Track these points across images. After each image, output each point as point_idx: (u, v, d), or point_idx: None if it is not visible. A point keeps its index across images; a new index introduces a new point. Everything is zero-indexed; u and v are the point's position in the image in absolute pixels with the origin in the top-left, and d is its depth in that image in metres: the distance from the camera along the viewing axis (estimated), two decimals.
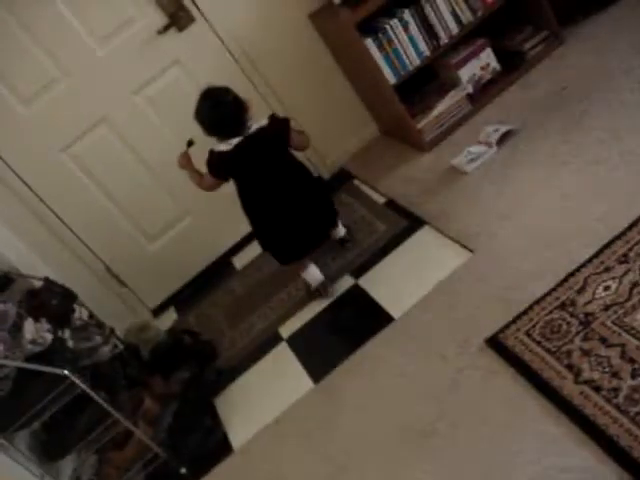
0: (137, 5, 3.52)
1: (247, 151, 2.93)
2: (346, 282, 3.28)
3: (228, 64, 3.72)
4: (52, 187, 3.65)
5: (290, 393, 2.89)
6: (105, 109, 3.64)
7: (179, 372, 3.17)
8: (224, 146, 2.92)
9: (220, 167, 2.99)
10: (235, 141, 2.91)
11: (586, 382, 2.08)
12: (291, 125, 3.04)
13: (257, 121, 2.95)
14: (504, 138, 3.36)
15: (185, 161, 3.11)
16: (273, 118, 3.01)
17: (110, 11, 3.50)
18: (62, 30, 3.45)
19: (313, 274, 3.30)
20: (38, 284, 3.13)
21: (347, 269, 3.34)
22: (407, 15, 3.51)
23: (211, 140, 2.96)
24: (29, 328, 2.79)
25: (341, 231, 3.50)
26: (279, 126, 3.00)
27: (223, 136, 2.93)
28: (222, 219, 3.92)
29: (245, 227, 3.96)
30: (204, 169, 3.03)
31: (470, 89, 3.76)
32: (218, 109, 2.91)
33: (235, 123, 2.92)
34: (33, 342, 2.74)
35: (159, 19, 3.57)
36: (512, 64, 3.80)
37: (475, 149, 3.40)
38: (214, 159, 2.97)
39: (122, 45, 3.57)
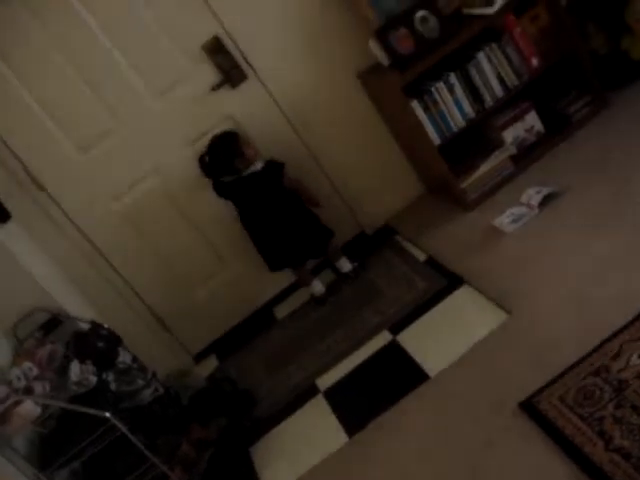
0: (193, 62, 3.64)
1: (238, 190, 3.60)
2: (384, 337, 3.31)
3: (279, 120, 3.82)
4: (102, 232, 3.77)
5: (325, 446, 2.91)
6: (157, 161, 3.76)
7: (217, 419, 3.23)
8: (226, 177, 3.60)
9: (219, 193, 3.68)
10: (228, 179, 3.58)
11: (616, 450, 2.08)
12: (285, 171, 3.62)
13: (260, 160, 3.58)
14: (546, 200, 3.38)
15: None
16: (269, 163, 3.59)
17: (167, 67, 3.63)
18: (120, 82, 3.59)
19: (315, 286, 3.90)
20: (85, 326, 3.22)
21: (385, 325, 3.38)
22: (453, 78, 3.57)
23: None
24: (75, 370, 2.87)
25: (346, 266, 3.94)
26: (272, 171, 3.58)
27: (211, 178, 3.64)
28: (264, 270, 3.98)
29: (286, 279, 4.08)
30: None
31: (514, 150, 3.80)
32: (208, 157, 3.59)
33: (221, 169, 3.58)
34: (78, 384, 2.83)
35: (213, 76, 3.69)
36: (557, 126, 3.83)
37: (517, 210, 3.44)
38: (215, 186, 3.66)
39: (177, 99, 3.69)
